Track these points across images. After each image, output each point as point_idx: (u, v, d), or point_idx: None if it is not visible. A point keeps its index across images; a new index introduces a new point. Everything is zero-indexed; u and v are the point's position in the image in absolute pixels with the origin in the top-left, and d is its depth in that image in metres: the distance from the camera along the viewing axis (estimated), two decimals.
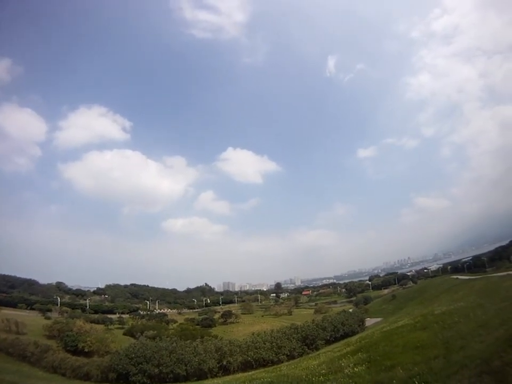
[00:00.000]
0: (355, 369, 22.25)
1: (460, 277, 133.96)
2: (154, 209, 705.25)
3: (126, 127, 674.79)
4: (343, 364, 25.50)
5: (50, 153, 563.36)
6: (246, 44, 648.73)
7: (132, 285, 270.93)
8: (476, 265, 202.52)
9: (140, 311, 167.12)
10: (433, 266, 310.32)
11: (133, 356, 50.86)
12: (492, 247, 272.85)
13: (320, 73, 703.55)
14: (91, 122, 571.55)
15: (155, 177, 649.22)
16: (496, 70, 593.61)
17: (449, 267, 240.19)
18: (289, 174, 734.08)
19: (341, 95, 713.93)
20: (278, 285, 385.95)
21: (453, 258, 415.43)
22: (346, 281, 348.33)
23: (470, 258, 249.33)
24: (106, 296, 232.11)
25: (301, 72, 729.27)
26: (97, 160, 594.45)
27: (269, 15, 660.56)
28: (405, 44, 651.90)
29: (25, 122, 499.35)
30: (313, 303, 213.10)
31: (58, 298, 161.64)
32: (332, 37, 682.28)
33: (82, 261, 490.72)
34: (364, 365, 22.70)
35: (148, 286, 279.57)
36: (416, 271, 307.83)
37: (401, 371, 17.33)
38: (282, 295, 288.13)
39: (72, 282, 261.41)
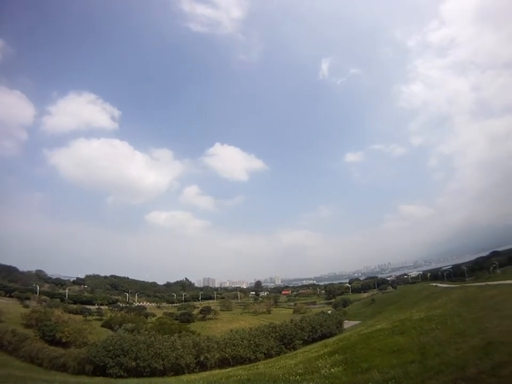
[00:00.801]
0: (332, 370, 22.38)
1: (439, 284, 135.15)
2: (138, 201, 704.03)
3: (115, 116, 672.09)
4: (320, 365, 25.58)
5: (37, 138, 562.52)
6: (242, 40, 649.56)
7: (112, 276, 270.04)
8: (456, 274, 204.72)
9: (119, 303, 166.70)
10: (413, 273, 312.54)
11: (111, 348, 50.51)
12: (473, 257, 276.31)
13: (313, 75, 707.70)
14: (80, 109, 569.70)
15: (141, 169, 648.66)
16: (488, 85, 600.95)
17: (429, 274, 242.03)
18: (275, 173, 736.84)
19: (332, 98, 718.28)
20: (258, 283, 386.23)
21: (433, 266, 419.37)
22: (326, 283, 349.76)
23: (450, 267, 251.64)
24: (85, 286, 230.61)
25: (295, 73, 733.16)
26: (84, 148, 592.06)
27: (266, 14, 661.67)
28: (400, 52, 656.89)
29: (13, 105, 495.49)
30: (293, 303, 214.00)
31: (38, 287, 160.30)
32: (328, 40, 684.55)
33: (63, 249, 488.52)
34: (340, 366, 22.86)
35: (128, 278, 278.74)
36: (396, 277, 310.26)
37: (377, 374, 17.49)
38: (261, 294, 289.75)
39: (52, 271, 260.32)
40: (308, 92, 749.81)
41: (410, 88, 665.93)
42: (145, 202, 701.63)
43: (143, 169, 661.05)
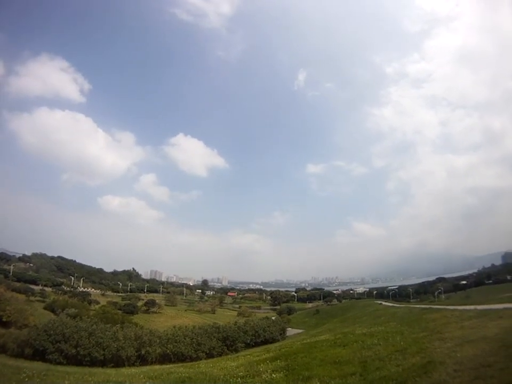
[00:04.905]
0: (273, 375, 22.48)
1: (384, 302, 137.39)
2: (94, 182, 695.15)
3: (85, 89, 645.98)
4: (261, 369, 25.64)
5: (0, 98, 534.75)
6: (225, 37, 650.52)
7: (59, 257, 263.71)
8: (401, 294, 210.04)
9: (63, 286, 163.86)
10: (360, 289, 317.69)
11: (52, 332, 49.32)
12: (419, 281, 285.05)
13: (288, 84, 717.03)
14: (50, 74, 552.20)
15: (101, 149, 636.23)
16: (456, 122, 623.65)
17: (375, 292, 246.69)
18: (235, 173, 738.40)
19: (304, 109, 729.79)
20: (205, 282, 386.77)
21: (380, 284, 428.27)
22: (273, 289, 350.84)
23: (396, 287, 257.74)
24: (31, 265, 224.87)
25: (271, 79, 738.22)
26: (47, 117, 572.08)
27: (254, 15, 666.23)
28: (377, 76, 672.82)
29: None
30: (238, 306, 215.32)
31: None
32: (308, 51, 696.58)
33: (11, 222, 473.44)
34: (282, 373, 22.98)
35: (75, 261, 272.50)
36: (343, 291, 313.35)
37: (318, 382, 17.78)
38: (208, 293, 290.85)
39: None
40: (280, 99, 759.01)
41: (381, 112, 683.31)
42: (101, 185, 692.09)
43: (103, 150, 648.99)
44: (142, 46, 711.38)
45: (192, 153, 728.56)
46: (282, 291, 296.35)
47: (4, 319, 69.66)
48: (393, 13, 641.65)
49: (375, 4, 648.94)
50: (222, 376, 24.92)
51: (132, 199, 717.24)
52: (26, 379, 24.31)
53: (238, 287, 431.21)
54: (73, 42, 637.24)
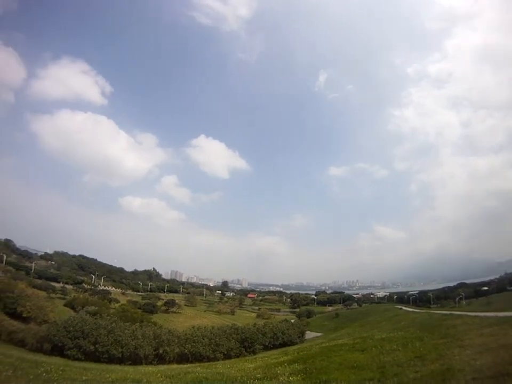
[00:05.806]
0: (290, 378, 22.38)
1: (404, 307, 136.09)
2: (115, 183, 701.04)
3: (106, 91, 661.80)
4: (279, 372, 25.60)
5: (22, 100, 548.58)
6: (244, 39, 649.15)
7: (80, 255, 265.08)
8: (422, 300, 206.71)
9: (84, 284, 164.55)
10: (380, 293, 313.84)
11: (71, 329, 49.93)
12: (440, 286, 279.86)
13: (309, 85, 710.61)
14: (71, 77, 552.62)
15: (123, 150, 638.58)
16: (478, 123, 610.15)
17: (395, 297, 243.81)
18: (257, 175, 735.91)
19: (325, 111, 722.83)
20: (225, 283, 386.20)
21: (400, 289, 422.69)
22: (293, 291, 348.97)
23: (417, 292, 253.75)
24: (53, 262, 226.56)
25: (292, 80, 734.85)
26: (69, 119, 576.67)
27: (273, 17, 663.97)
28: (398, 77, 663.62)
29: (5, 63, 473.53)
30: (257, 307, 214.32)
31: (5, 256, 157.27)
32: (329, 52, 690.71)
33: (34, 221, 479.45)
34: (299, 376, 22.87)
35: (96, 260, 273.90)
36: (363, 295, 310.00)
37: None
38: (227, 294, 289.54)
39: (21, 242, 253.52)
40: (301, 101, 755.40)
41: (402, 113, 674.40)
42: (122, 186, 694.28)
43: (125, 151, 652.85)
44: (162, 49, 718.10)
45: (214, 154, 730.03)
46: (302, 294, 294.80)
47: (24, 315, 70.46)
48: (412, 10, 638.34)
49: (394, 3, 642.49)
50: (239, 378, 24.86)
51: (153, 200, 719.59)
52: (44, 374, 24.60)
53: (258, 289, 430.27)
54: (94, 45, 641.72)
